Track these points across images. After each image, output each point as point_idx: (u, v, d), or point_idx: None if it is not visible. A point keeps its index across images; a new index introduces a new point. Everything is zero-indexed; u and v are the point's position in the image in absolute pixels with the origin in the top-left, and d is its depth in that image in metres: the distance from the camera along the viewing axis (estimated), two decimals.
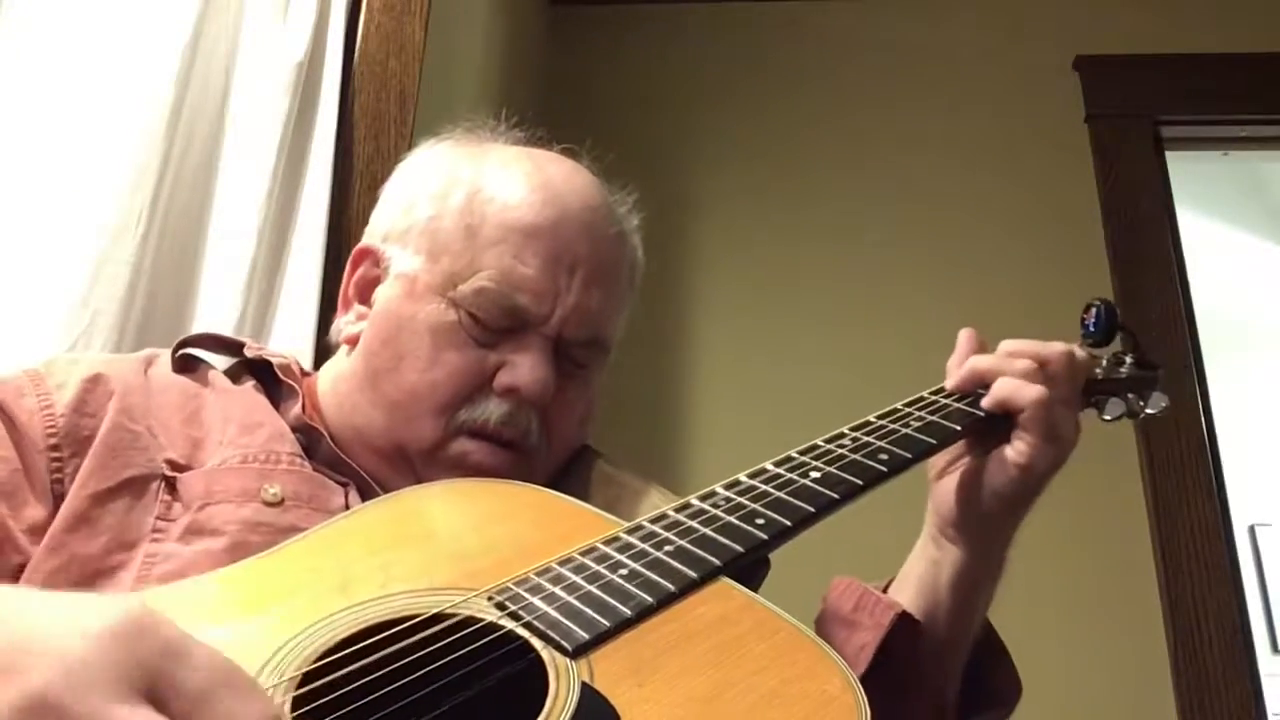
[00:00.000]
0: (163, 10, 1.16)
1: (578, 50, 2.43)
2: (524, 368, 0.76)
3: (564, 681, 0.46)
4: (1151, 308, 2.09)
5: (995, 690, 0.80)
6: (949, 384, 0.78)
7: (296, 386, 0.82)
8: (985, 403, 0.74)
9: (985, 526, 0.76)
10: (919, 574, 0.79)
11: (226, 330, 1.13)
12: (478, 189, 0.80)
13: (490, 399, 0.76)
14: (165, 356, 0.81)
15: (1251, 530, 3.64)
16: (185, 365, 0.82)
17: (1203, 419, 2.04)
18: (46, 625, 0.36)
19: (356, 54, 1.32)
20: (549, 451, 0.80)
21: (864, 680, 0.77)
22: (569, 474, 0.82)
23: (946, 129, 2.29)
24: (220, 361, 0.85)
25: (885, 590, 0.81)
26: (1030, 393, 0.72)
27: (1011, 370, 0.75)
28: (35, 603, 0.40)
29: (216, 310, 1.15)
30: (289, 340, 1.17)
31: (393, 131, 1.26)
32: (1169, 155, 2.26)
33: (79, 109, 1.10)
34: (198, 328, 1.15)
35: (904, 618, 0.75)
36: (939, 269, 2.13)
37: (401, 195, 0.84)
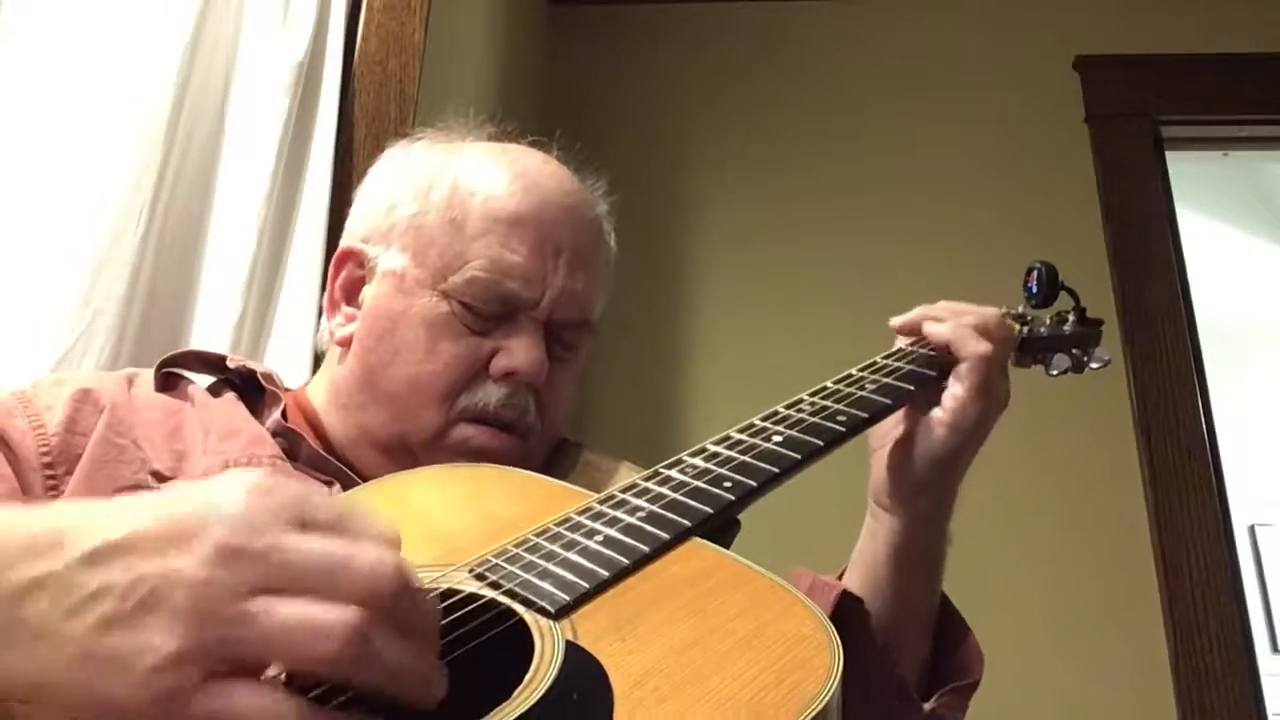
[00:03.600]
0: (163, 11, 1.16)
1: (577, 50, 2.43)
2: (519, 351, 0.78)
3: (548, 641, 0.48)
4: (1151, 308, 2.10)
5: (959, 665, 0.81)
6: (900, 344, 0.84)
7: (279, 393, 0.83)
8: (927, 330, 0.81)
9: (918, 491, 0.79)
10: (861, 550, 0.83)
11: (226, 330, 1.14)
12: (458, 184, 0.81)
13: (488, 384, 0.78)
14: (147, 375, 0.82)
15: (1251, 530, 3.65)
16: (167, 383, 0.82)
17: (1203, 419, 2.04)
18: (193, 501, 0.41)
19: (356, 54, 1.32)
20: (543, 433, 0.82)
21: None
22: (552, 467, 0.84)
23: (946, 129, 2.29)
24: (203, 379, 0.86)
25: (840, 577, 0.82)
26: (976, 345, 0.78)
27: (958, 323, 0.81)
28: (159, 496, 0.44)
29: (216, 310, 1.15)
30: (288, 341, 1.17)
31: (393, 131, 1.26)
32: (1169, 155, 2.26)
33: (79, 109, 1.10)
34: (197, 328, 1.15)
35: (845, 596, 0.76)
36: (938, 268, 2.13)
37: (381, 196, 0.86)
